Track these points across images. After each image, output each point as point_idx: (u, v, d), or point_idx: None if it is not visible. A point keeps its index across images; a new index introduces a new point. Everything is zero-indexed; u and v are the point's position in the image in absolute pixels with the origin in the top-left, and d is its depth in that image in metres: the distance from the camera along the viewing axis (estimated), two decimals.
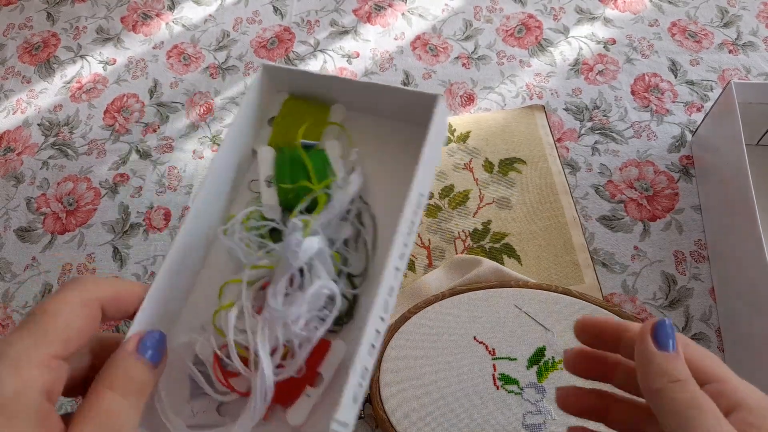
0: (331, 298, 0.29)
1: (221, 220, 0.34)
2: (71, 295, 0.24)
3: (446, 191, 0.71)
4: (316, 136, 0.35)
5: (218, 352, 0.29)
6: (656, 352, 0.26)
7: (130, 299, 0.27)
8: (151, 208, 0.75)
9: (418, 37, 0.87)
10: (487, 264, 0.62)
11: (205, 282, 0.33)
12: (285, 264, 0.29)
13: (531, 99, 0.80)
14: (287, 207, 0.34)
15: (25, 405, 0.21)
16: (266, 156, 0.35)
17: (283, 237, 0.31)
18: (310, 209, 0.32)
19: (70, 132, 0.83)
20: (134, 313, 0.27)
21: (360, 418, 0.57)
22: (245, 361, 0.28)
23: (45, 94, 0.87)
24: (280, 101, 0.38)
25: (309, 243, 0.28)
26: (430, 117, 0.30)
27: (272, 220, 0.33)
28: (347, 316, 0.31)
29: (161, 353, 0.26)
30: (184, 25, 0.92)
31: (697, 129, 0.72)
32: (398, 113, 0.35)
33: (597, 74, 0.81)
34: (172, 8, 0.95)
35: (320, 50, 0.87)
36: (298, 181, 0.33)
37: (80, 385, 0.26)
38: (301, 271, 0.29)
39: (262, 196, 0.34)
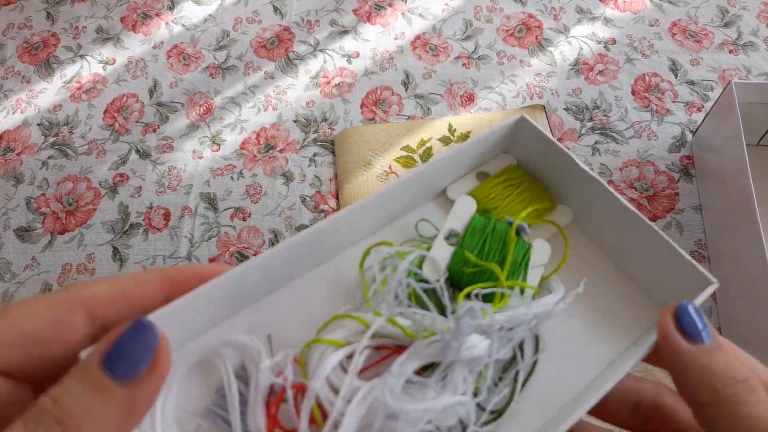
0: (461, 426, 0.22)
1: (359, 238, 0.28)
2: (43, 297, 0.18)
3: None
4: (524, 218, 0.29)
5: (289, 390, 0.22)
6: (690, 349, 0.19)
7: (146, 297, 0.20)
8: (151, 208, 0.75)
9: (418, 37, 0.87)
10: None
11: (304, 287, 0.26)
12: (432, 346, 0.22)
13: (531, 99, 0.80)
14: (453, 277, 0.27)
15: None
16: (465, 208, 0.28)
17: (444, 309, 0.24)
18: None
19: (69, 132, 0.83)
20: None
21: None
22: (313, 420, 0.21)
23: (45, 94, 0.87)
24: (501, 164, 0.31)
25: (477, 341, 0.22)
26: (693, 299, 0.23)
27: (425, 281, 0.26)
28: None
29: (146, 361, 0.17)
30: (183, 25, 0.92)
31: (697, 129, 0.72)
32: (639, 268, 0.27)
33: (597, 74, 0.81)
34: (171, 8, 0.94)
35: (320, 50, 0.87)
36: (489, 259, 0.26)
37: None
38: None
39: (432, 247, 0.27)
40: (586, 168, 0.27)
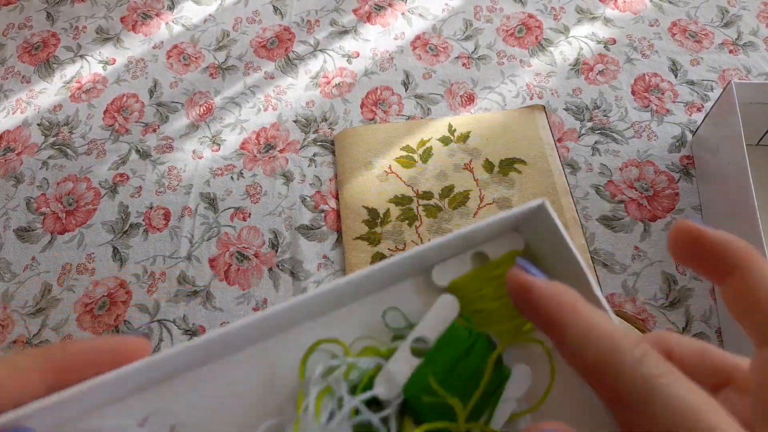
0: None
1: (313, 315, 0.23)
2: None
3: (446, 191, 0.71)
4: (510, 337, 0.24)
5: None
6: None
7: (24, 390, 0.17)
8: (151, 208, 0.75)
9: (418, 37, 0.87)
10: None
11: (230, 369, 0.22)
12: None
13: (531, 99, 0.80)
14: (408, 400, 0.22)
15: None
16: (444, 312, 0.23)
17: None
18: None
19: (69, 132, 0.83)
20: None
21: None
22: None
23: (45, 94, 0.87)
24: (505, 245, 0.25)
25: None
26: None
27: (377, 405, 0.21)
28: None
29: None
30: (183, 25, 0.92)
31: (697, 129, 0.72)
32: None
33: (597, 74, 0.81)
34: (171, 8, 0.94)
35: (320, 50, 0.87)
36: (453, 389, 0.22)
37: None
38: None
39: (394, 355, 0.22)
40: (599, 292, 0.22)
